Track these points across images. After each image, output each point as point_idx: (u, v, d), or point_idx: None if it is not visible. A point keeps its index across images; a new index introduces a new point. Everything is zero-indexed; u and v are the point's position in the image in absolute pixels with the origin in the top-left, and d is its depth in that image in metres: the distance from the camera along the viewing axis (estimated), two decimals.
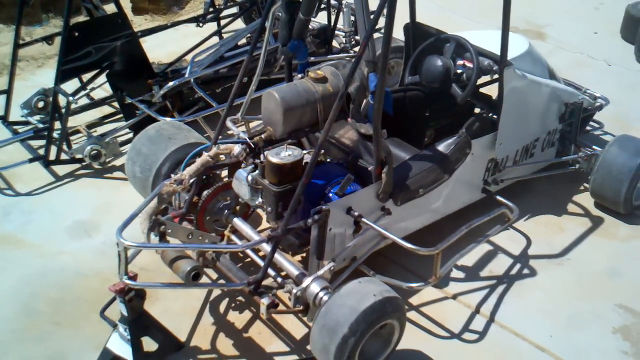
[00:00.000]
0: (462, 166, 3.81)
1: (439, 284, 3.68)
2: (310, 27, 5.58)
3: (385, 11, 3.01)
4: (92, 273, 3.83)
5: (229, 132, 4.01)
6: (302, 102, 3.29)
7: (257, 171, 3.26)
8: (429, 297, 3.65)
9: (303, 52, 3.58)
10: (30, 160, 4.58)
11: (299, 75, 3.47)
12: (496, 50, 3.79)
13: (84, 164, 4.71)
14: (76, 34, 4.37)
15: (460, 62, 4.00)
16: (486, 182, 4.09)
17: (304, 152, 3.36)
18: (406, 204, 3.60)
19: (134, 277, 3.04)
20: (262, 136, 3.40)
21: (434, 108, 4.38)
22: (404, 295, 3.41)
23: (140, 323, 3.14)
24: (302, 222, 3.17)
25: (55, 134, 4.70)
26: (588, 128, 4.97)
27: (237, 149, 3.48)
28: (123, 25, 4.57)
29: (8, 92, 4.93)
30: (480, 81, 4.01)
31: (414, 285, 3.36)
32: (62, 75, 4.46)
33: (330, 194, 3.37)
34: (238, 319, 3.53)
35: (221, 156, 3.53)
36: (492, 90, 4.05)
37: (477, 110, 4.44)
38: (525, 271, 3.85)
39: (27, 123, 5.03)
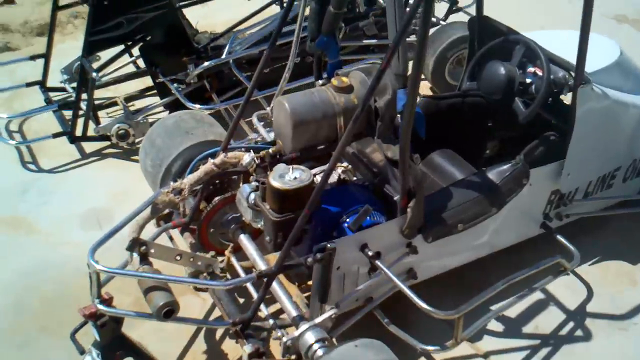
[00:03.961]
0: (516, 197, 3.19)
1: (471, 338, 3.12)
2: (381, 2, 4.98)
3: (420, 11, 2.40)
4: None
5: (255, 127, 3.59)
6: (317, 116, 2.76)
7: (259, 191, 2.80)
8: (456, 352, 3.09)
9: (333, 51, 3.03)
10: (54, 136, 4.33)
11: (320, 82, 2.93)
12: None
13: (111, 142, 4.41)
14: (105, 2, 3.99)
15: (531, 69, 3.34)
16: (547, 217, 3.43)
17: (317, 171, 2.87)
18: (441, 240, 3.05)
19: (108, 301, 2.70)
20: (270, 150, 2.91)
21: (499, 118, 3.72)
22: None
23: (115, 348, 2.82)
24: (302, 258, 2.70)
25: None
26: None
27: (246, 158, 3.01)
28: None
29: (46, 56, 4.68)
30: None
31: (429, 348, 2.83)
32: (90, 47, 4.12)
33: (345, 224, 2.87)
34: (234, 348, 3.13)
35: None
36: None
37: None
38: (579, 332, 3.20)
39: (64, 90, 4.78)
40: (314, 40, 3.02)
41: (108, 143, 4.44)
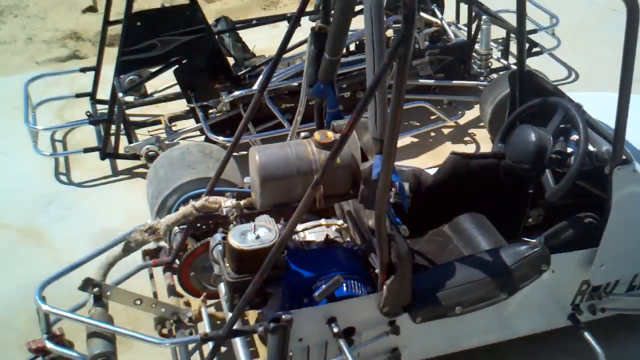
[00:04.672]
0: (535, 284, 2.74)
1: None
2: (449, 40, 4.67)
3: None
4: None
5: None
6: (290, 173, 2.45)
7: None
8: None
9: (331, 99, 2.72)
10: (85, 150, 4.31)
11: (303, 134, 2.62)
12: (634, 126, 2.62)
13: (141, 162, 4.34)
14: (138, 23, 3.92)
15: (574, 136, 2.87)
16: (576, 308, 2.93)
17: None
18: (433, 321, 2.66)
19: (58, 338, 2.57)
20: (242, 202, 2.66)
21: (541, 184, 3.25)
22: None
23: None
24: (256, 325, 2.42)
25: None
26: None
27: (227, 204, 2.78)
28: (193, 18, 4.01)
29: (97, 69, 4.68)
30: None
31: None
32: (122, 67, 4.06)
33: (317, 293, 2.55)
34: None
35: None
36: None
37: None
38: None
39: None
40: (312, 86, 2.74)
41: (140, 162, 4.37)
